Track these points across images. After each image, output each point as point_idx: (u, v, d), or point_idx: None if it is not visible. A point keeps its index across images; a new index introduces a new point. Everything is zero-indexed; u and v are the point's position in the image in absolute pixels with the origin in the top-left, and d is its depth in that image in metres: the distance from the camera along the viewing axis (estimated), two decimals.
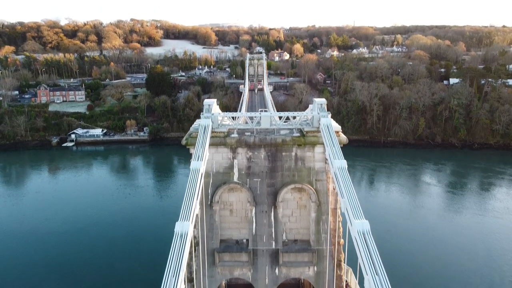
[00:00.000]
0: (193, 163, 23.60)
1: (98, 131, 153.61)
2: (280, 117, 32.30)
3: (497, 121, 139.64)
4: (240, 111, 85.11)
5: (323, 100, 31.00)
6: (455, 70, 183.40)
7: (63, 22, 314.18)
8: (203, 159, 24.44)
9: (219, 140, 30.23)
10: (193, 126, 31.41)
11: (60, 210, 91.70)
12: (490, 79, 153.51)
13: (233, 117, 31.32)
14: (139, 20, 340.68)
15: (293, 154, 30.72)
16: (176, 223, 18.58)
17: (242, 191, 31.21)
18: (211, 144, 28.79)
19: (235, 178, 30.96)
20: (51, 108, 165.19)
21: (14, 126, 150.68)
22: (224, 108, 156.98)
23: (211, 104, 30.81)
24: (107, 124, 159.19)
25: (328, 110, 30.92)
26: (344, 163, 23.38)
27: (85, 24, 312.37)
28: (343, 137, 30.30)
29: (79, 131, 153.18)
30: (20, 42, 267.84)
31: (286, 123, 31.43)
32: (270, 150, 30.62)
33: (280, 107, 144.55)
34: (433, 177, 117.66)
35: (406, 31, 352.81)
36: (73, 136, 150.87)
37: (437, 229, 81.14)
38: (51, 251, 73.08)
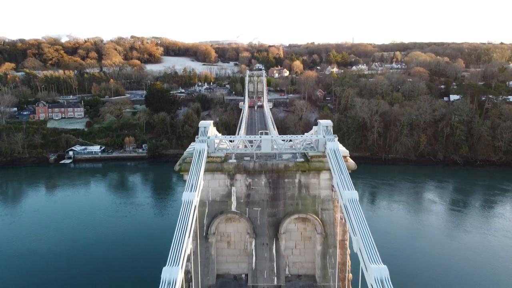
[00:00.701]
0: (186, 194, 21.19)
1: (96, 148, 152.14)
2: (282, 141, 29.98)
3: (499, 137, 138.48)
4: (239, 128, 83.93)
5: (328, 122, 28.87)
6: (455, 87, 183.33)
7: (64, 39, 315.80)
8: (197, 189, 22.04)
9: (215, 165, 28.03)
10: (187, 150, 29.49)
11: (58, 229, 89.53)
12: (491, 96, 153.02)
13: (231, 141, 29.05)
14: (140, 37, 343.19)
15: (297, 181, 28.43)
16: (164, 268, 16.56)
17: (240, 222, 28.75)
18: (206, 170, 26.56)
19: (233, 207, 28.56)
20: (50, 124, 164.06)
21: (11, 143, 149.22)
22: (224, 124, 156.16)
23: (207, 126, 28.65)
24: (106, 140, 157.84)
25: None
26: (355, 194, 21.06)
27: (85, 41, 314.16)
28: (351, 163, 28.10)
29: (77, 148, 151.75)
30: (20, 59, 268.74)
31: (288, 146, 29.14)
32: (272, 177, 28.40)
33: (280, 124, 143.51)
34: (436, 194, 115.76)
35: (404, 48, 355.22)
36: (71, 153, 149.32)
37: (441, 248, 79.03)
38: (49, 272, 71.23)
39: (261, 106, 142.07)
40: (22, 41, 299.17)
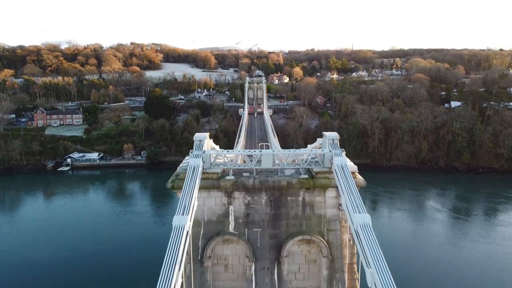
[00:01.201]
0: (177, 219, 18.89)
1: (94, 155, 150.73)
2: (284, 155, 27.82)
3: (501, 144, 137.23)
4: (239, 136, 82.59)
5: (335, 135, 26.81)
6: (455, 93, 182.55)
7: (63, 46, 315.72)
8: (190, 212, 19.74)
9: (211, 182, 25.90)
10: (180, 165, 27.53)
11: (56, 238, 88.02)
12: (492, 102, 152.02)
13: (228, 156, 26.70)
14: (139, 43, 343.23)
15: (300, 199, 26.27)
16: None
17: (239, 244, 26.44)
18: (202, 188, 24.69)
19: (231, 228, 26.38)
20: (48, 131, 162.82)
21: (9, 150, 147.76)
22: (223, 131, 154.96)
23: (203, 139, 26.54)
24: (104, 147, 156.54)
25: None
26: (367, 218, 18.89)
27: (85, 48, 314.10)
28: (360, 179, 25.89)
29: (75, 155, 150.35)
30: (19, 66, 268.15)
31: (291, 161, 26.96)
32: (273, 195, 26.27)
33: (280, 131, 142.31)
34: (439, 202, 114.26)
35: (404, 54, 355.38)
36: (69, 160, 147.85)
37: (446, 258, 77.46)
38: (47, 281, 70.00)
39: (261, 113, 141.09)
40: (21, 47, 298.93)
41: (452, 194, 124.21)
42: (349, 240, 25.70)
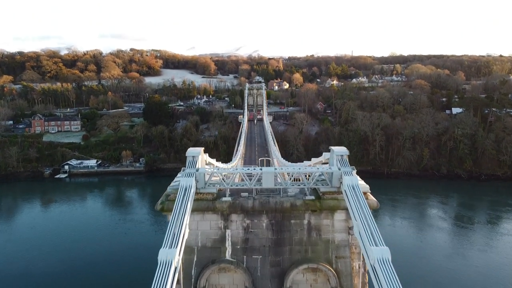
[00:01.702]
0: (163, 252, 16.30)
1: (92, 162, 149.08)
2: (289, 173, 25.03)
3: (503, 151, 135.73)
4: (238, 144, 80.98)
5: (343, 150, 24.56)
6: (456, 100, 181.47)
7: (63, 52, 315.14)
8: (179, 243, 17.17)
9: (206, 204, 23.36)
10: (171, 184, 24.71)
11: (54, 247, 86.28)
12: (494, 109, 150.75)
13: (225, 174, 23.99)
14: (139, 49, 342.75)
15: (305, 222, 23.88)
16: None
17: (237, 272, 23.77)
18: (195, 210, 22.32)
19: (228, 255, 23.80)
20: (45, 138, 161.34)
21: (6, 157, 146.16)
22: (223, 138, 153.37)
23: (196, 155, 23.88)
24: (102, 154, 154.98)
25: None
26: (386, 253, 16.37)
27: (84, 54, 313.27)
28: (373, 201, 23.68)
29: (73, 162, 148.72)
30: (18, 72, 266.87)
31: (295, 178, 24.26)
32: (275, 217, 23.84)
33: (280, 137, 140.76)
34: (441, 210, 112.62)
35: (404, 60, 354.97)
36: (66, 167, 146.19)
37: (448, 266, 75.91)
38: None
39: (261, 120, 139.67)
40: (20, 53, 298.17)
41: (454, 201, 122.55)
42: (360, 268, 23.39)
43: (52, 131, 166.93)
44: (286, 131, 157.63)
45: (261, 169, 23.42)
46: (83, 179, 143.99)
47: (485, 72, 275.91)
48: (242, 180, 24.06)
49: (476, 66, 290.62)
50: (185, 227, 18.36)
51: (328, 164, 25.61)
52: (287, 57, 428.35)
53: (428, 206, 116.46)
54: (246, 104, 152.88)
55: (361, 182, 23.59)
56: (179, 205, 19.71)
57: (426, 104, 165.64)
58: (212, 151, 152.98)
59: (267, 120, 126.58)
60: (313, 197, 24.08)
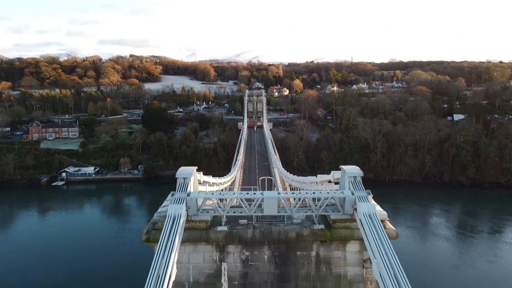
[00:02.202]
0: None
1: (90, 169, 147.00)
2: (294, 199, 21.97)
3: (507, 159, 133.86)
4: (238, 153, 79.04)
5: (356, 171, 21.53)
6: (458, 106, 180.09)
7: (62, 59, 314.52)
8: (166, 279, 14.58)
9: (198, 234, 20.45)
10: (158, 211, 21.77)
11: (51, 258, 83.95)
12: (496, 115, 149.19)
13: (220, 199, 20.91)
14: (138, 56, 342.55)
15: (314, 254, 21.07)
16: None
17: None
18: (186, 241, 19.64)
19: None
20: (43, 145, 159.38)
21: (2, 164, 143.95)
22: (222, 145, 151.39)
23: (188, 177, 21.04)
24: (100, 161, 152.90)
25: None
26: None
27: (84, 60, 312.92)
28: (392, 230, 21.22)
29: (71, 169, 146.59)
30: (17, 78, 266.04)
31: (301, 202, 21.26)
32: (278, 249, 21.04)
33: (280, 144, 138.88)
34: (444, 219, 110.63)
35: (404, 66, 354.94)
36: (63, 174, 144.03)
37: (452, 277, 74.08)
38: None
39: (261, 127, 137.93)
40: (19, 59, 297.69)
41: (457, 210, 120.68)
42: None
43: (50, 138, 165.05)
44: (286, 138, 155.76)
45: (262, 194, 20.41)
46: (80, 187, 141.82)
47: (485, 78, 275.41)
48: (240, 205, 21.16)
49: (476, 72, 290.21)
50: (171, 266, 15.66)
51: (338, 185, 22.72)
52: (287, 63, 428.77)
53: (431, 215, 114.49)
54: (246, 111, 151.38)
55: (378, 208, 20.90)
56: (166, 238, 17.05)
57: (427, 110, 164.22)
58: (212, 158, 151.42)
59: (267, 127, 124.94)
60: (322, 226, 21.23)
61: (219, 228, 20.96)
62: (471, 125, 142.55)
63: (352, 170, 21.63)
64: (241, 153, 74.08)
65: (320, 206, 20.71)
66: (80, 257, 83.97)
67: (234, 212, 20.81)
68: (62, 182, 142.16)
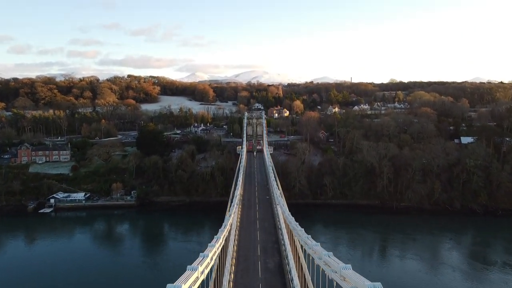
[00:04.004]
0: None
1: (80, 195, 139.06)
2: None
3: None
4: (236, 182, 71.44)
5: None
6: (464, 128, 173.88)
7: (58, 79, 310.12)
8: None
9: None
10: None
11: None
12: (507, 138, 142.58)
13: None
14: (136, 76, 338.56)
15: None
16: None
17: None
18: None
19: None
20: (32, 169, 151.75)
21: None
22: (220, 169, 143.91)
23: None
24: (92, 186, 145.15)
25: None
26: None
27: (80, 80, 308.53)
28: None
29: (60, 195, 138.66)
30: (12, 98, 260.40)
31: None
32: None
33: (280, 169, 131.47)
34: (456, 249, 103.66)
35: (404, 87, 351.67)
36: (52, 201, 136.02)
37: None
38: None
39: (261, 151, 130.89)
40: (15, 80, 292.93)
41: (469, 239, 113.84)
42: None
43: (40, 162, 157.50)
44: (287, 161, 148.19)
45: None
46: (69, 214, 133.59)
47: (488, 99, 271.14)
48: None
49: (479, 93, 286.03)
50: None
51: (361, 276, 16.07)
52: (286, 84, 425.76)
53: (441, 244, 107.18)
54: (245, 134, 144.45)
55: None
56: None
57: (433, 133, 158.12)
58: (209, 183, 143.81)
59: (267, 151, 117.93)
60: None
61: None
62: (482, 149, 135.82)
63: None
64: (239, 184, 66.46)
65: None
66: None
67: None
68: (50, 209, 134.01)
